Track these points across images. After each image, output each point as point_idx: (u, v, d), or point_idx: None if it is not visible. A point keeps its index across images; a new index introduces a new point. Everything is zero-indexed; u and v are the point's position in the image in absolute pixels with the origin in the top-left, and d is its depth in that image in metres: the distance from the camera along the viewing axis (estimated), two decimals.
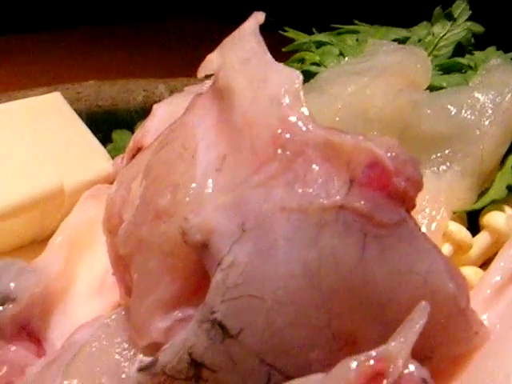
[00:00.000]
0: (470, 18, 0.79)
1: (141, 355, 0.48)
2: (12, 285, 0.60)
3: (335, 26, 0.82)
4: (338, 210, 0.41)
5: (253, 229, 0.42)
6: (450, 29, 0.74)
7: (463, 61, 0.71)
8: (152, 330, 0.47)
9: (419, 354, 0.40)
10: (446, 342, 0.43)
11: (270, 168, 0.43)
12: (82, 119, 0.93)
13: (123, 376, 0.49)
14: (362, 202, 0.41)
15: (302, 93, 0.44)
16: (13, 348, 0.59)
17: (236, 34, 0.52)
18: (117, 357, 0.51)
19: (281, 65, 0.47)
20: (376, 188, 0.41)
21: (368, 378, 0.37)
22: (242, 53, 0.49)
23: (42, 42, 1.85)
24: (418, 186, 0.41)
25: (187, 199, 0.45)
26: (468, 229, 0.60)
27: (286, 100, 0.44)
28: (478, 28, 0.80)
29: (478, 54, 0.78)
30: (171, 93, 1.10)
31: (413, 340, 0.38)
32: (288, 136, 0.43)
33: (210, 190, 0.45)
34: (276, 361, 0.42)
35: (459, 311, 0.42)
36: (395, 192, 0.41)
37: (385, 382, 0.37)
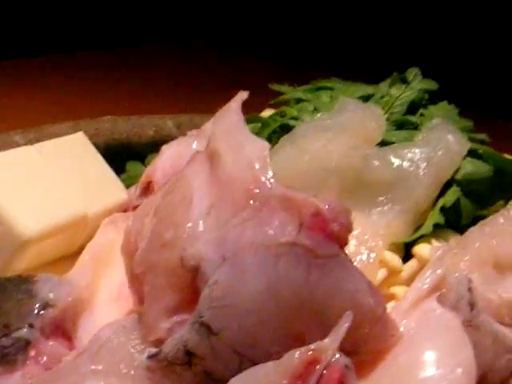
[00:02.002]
0: (428, 74, 0.93)
1: (149, 347, 0.60)
2: (51, 295, 0.69)
3: (314, 82, 0.96)
4: (291, 246, 0.55)
5: (230, 258, 0.55)
6: (404, 91, 0.88)
7: (412, 119, 0.84)
8: (158, 329, 0.60)
9: (349, 349, 0.54)
10: (369, 341, 0.57)
11: (243, 214, 0.57)
12: (100, 151, 0.99)
13: (136, 363, 0.61)
14: (308, 241, 0.54)
15: (268, 159, 0.58)
16: (51, 343, 0.68)
17: (224, 109, 0.66)
18: (131, 349, 0.62)
19: (254, 136, 0.61)
20: (318, 231, 0.55)
21: (306, 363, 0.51)
22: (227, 125, 0.63)
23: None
24: (348, 229, 0.55)
25: (185, 235, 0.58)
26: (405, 256, 0.74)
27: (257, 165, 0.58)
28: (432, 85, 0.92)
29: (431, 107, 0.92)
30: (177, 128, 1.18)
31: (339, 338, 0.51)
32: (257, 191, 0.57)
33: (201, 229, 0.58)
34: (246, 352, 0.55)
35: (377, 319, 0.56)
36: (331, 234, 0.54)
37: (318, 366, 0.51)
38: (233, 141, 0.61)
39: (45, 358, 0.67)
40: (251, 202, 0.57)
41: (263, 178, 0.57)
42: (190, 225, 0.59)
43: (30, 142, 0.99)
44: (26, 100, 1.70)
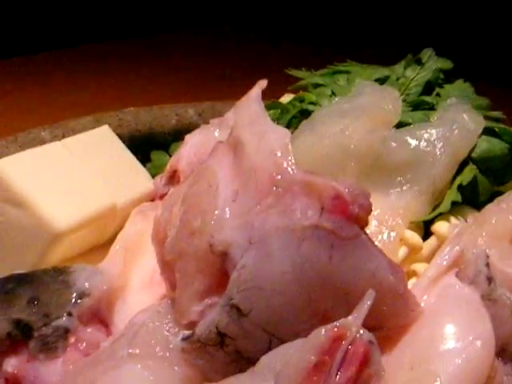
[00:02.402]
0: (444, 53, 0.94)
1: (183, 330, 0.63)
2: (86, 284, 0.73)
3: (330, 66, 0.98)
4: (314, 229, 0.57)
5: (257, 242, 0.58)
6: (419, 72, 0.90)
7: (428, 99, 0.86)
8: (191, 312, 0.62)
9: (372, 325, 0.57)
10: (391, 316, 0.59)
11: (267, 200, 0.59)
12: (124, 142, 1.02)
13: (171, 346, 0.64)
14: (330, 223, 0.57)
15: (289, 146, 0.60)
16: (89, 330, 0.71)
17: (245, 98, 0.69)
18: (166, 333, 0.65)
19: (275, 125, 0.64)
20: (339, 213, 0.57)
21: (332, 339, 0.54)
22: (248, 114, 0.66)
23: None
24: (367, 210, 0.58)
25: (212, 222, 0.61)
26: (425, 234, 0.76)
27: (279, 152, 0.60)
28: (447, 64, 0.93)
29: (447, 86, 0.93)
30: (199, 116, 1.20)
31: (363, 315, 0.54)
32: (280, 177, 0.59)
33: (227, 216, 0.61)
34: (275, 331, 0.58)
35: (398, 295, 0.59)
36: (351, 216, 0.57)
37: (343, 342, 0.54)
38: (255, 130, 0.63)
39: (84, 345, 0.71)
40: (274, 188, 0.60)
41: (285, 165, 0.60)
42: (216, 212, 0.61)
43: (57, 138, 1.04)
44: (48, 95, 1.72)
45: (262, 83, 0.69)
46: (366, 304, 0.55)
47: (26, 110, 1.59)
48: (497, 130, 0.81)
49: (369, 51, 1.74)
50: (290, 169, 0.60)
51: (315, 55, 1.81)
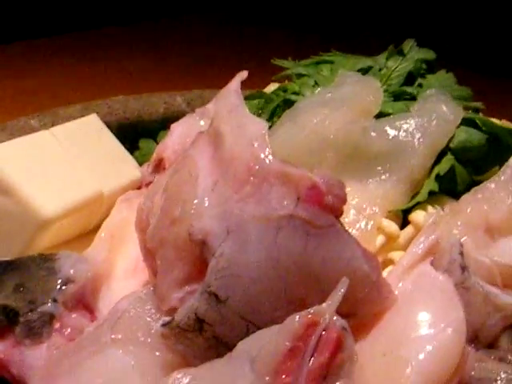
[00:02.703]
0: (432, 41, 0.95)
1: (164, 316, 0.64)
2: (71, 271, 0.74)
3: (313, 56, 0.99)
4: (290, 218, 0.59)
5: (234, 231, 0.60)
6: (401, 63, 0.91)
7: (409, 90, 0.87)
8: (171, 299, 0.63)
9: (346, 312, 0.58)
10: (365, 304, 0.61)
11: (245, 189, 0.60)
12: (113, 130, 1.03)
13: (152, 331, 0.65)
14: (305, 213, 0.58)
15: (266, 137, 0.61)
16: (73, 315, 0.72)
17: (225, 90, 0.70)
18: (147, 318, 0.66)
19: (254, 117, 0.65)
20: (314, 203, 0.59)
21: (306, 326, 0.55)
22: (227, 106, 0.66)
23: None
24: (342, 200, 0.59)
25: (192, 211, 0.62)
26: (403, 223, 0.78)
27: (256, 143, 0.61)
28: (430, 55, 0.95)
29: (430, 77, 0.94)
30: (187, 104, 1.21)
31: (336, 302, 0.56)
32: (257, 168, 0.61)
33: (206, 205, 0.62)
34: (251, 317, 0.60)
35: (372, 283, 0.60)
36: (326, 205, 0.59)
37: (317, 328, 0.56)
38: (234, 121, 0.65)
39: (68, 330, 0.72)
40: (251, 178, 0.61)
41: (262, 155, 0.61)
42: (196, 201, 0.63)
43: (46, 126, 1.05)
44: (37, 82, 1.72)
45: (242, 74, 0.70)
46: (340, 292, 0.56)
47: (13, 98, 1.59)
48: (476, 120, 0.83)
49: (359, 39, 1.75)
50: (266, 159, 0.61)
51: (304, 43, 1.81)
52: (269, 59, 1.02)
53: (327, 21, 2.25)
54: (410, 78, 0.91)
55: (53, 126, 1.03)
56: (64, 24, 2.07)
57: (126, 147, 1.02)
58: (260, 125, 0.63)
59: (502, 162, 0.78)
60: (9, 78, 1.71)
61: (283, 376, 0.55)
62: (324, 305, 0.56)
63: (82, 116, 1.05)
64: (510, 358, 0.64)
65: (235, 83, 0.68)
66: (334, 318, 0.56)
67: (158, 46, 2.08)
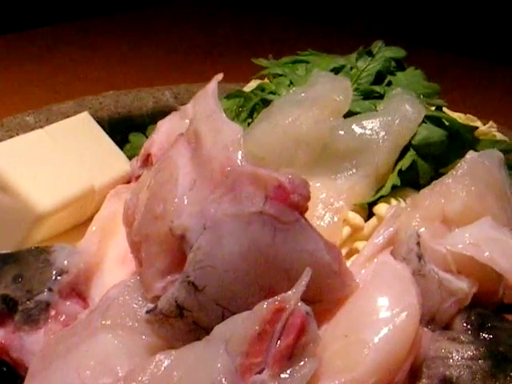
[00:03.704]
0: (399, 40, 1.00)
1: (148, 303, 0.70)
2: (65, 262, 0.79)
3: (289, 56, 1.04)
4: (259, 214, 0.64)
5: (210, 227, 0.65)
6: (370, 62, 0.96)
7: (377, 88, 0.92)
8: (155, 288, 0.69)
9: (311, 299, 0.64)
10: (328, 291, 0.67)
11: (220, 189, 0.66)
12: (104, 124, 1.08)
13: (138, 317, 0.70)
14: (273, 209, 0.64)
15: (241, 141, 0.66)
16: (67, 303, 0.78)
17: (202, 93, 0.75)
18: (134, 305, 0.72)
19: (229, 121, 0.69)
20: (281, 201, 0.64)
21: (273, 311, 0.61)
22: (205, 109, 0.72)
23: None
24: (306, 198, 0.64)
25: (172, 209, 0.68)
26: (369, 215, 0.83)
27: (231, 147, 0.67)
28: (400, 53, 1.00)
29: (399, 74, 1.00)
30: (175, 98, 1.27)
31: (301, 290, 0.61)
32: (230, 169, 0.66)
33: (185, 203, 0.67)
34: (226, 304, 0.65)
35: (334, 272, 0.66)
36: (292, 203, 0.64)
37: (283, 314, 0.61)
38: (211, 125, 0.70)
39: (63, 317, 0.78)
40: (225, 179, 0.66)
41: (235, 158, 0.67)
42: (176, 200, 0.68)
43: (41, 122, 1.10)
44: (30, 77, 1.76)
45: (218, 77, 0.75)
46: (304, 280, 0.62)
47: (8, 93, 1.62)
48: (439, 117, 0.88)
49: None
50: (239, 162, 0.66)
51: (301, 29, 1.81)
52: (260, 50, 1.06)
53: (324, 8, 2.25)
54: (380, 77, 0.96)
55: (47, 121, 1.09)
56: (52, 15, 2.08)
57: (117, 141, 1.07)
58: (235, 130, 0.68)
59: (462, 157, 0.83)
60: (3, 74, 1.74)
61: (253, 356, 0.61)
62: (289, 292, 0.62)
63: (76, 112, 1.10)
64: (462, 338, 0.70)
65: (212, 86, 0.74)
66: (299, 304, 0.62)
67: (145, 38, 2.10)
